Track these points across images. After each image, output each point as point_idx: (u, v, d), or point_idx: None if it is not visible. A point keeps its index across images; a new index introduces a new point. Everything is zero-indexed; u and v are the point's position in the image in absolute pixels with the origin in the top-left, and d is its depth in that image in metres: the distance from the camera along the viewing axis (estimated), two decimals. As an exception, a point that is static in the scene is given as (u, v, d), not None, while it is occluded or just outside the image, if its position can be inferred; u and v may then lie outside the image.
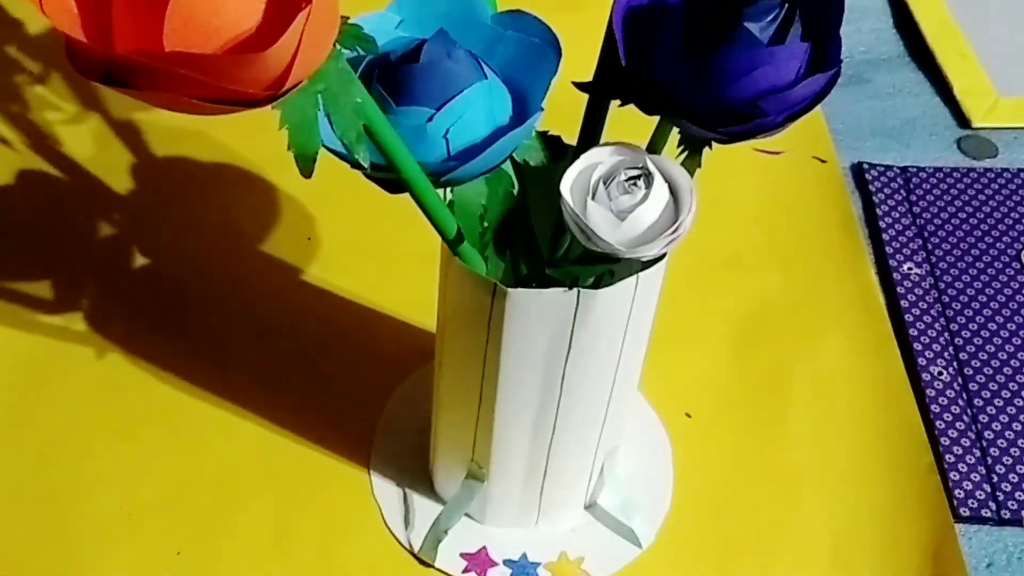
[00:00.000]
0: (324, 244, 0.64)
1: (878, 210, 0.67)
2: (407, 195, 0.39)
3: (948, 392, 0.58)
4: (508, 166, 0.42)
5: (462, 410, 0.48)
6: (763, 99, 0.36)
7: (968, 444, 0.56)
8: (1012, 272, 0.64)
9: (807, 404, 0.58)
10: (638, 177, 0.38)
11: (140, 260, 0.63)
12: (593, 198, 0.38)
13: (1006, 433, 0.57)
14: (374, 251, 0.63)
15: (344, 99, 0.34)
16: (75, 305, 0.60)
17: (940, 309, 0.62)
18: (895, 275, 0.64)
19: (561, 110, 0.41)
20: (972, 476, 0.55)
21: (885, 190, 0.68)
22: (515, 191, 0.42)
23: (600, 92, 0.42)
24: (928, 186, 0.69)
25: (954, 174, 0.70)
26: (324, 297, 0.61)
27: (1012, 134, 0.73)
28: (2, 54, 0.73)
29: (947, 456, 0.56)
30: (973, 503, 0.54)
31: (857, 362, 0.60)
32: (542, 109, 0.39)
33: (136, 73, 0.28)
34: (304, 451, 0.55)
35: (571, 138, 0.43)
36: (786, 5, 0.36)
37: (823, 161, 0.70)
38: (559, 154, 0.43)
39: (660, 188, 0.38)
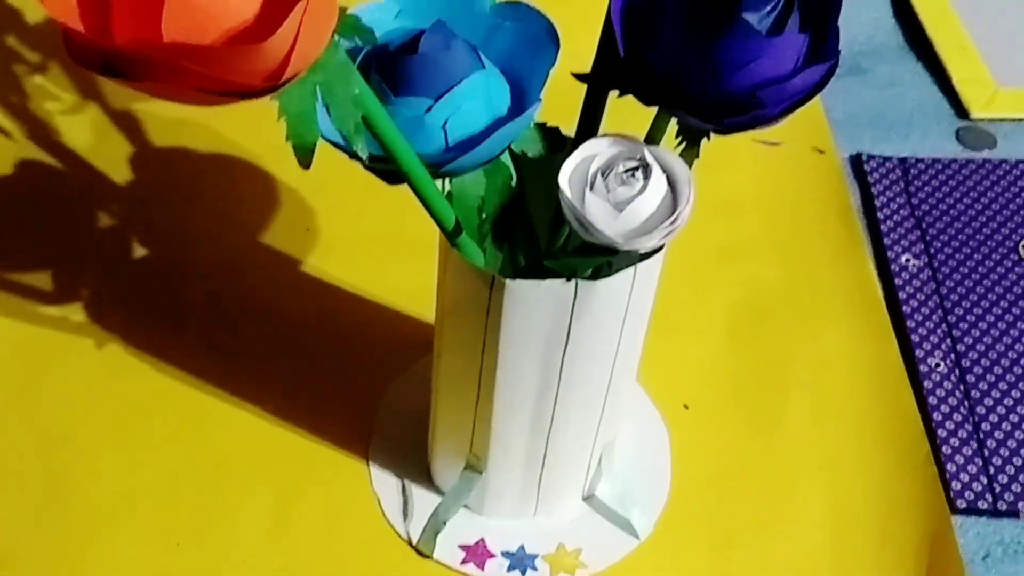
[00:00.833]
0: (323, 235, 0.64)
1: (876, 201, 0.67)
2: (405, 186, 0.39)
3: (945, 384, 0.58)
4: (506, 157, 0.42)
5: (461, 401, 0.48)
6: (761, 90, 0.36)
7: (965, 436, 0.56)
8: (1010, 264, 0.64)
9: (804, 396, 0.58)
10: (636, 168, 0.38)
11: (139, 250, 0.63)
12: (591, 189, 0.38)
13: (1003, 424, 0.57)
14: (373, 242, 0.63)
15: (342, 90, 0.34)
16: (74, 295, 0.60)
17: (938, 300, 0.62)
18: (893, 266, 0.64)
19: (559, 101, 0.41)
20: (969, 468, 0.55)
21: (884, 181, 0.68)
22: (513, 182, 0.42)
23: (598, 83, 0.42)
24: (927, 177, 0.69)
25: (952, 165, 0.70)
26: (323, 288, 0.61)
27: (1010, 125, 0.73)
28: (1, 44, 0.73)
29: (944, 447, 0.56)
30: (970, 495, 0.54)
31: (855, 353, 0.60)
32: (540, 100, 0.39)
33: (134, 64, 0.28)
34: (303, 442, 0.55)
35: (569, 129, 0.43)
36: (784, -5, 0.36)
37: (821, 152, 0.70)
38: (557, 145, 0.43)
39: (658, 179, 0.38)
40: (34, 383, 0.57)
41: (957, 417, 0.57)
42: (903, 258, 0.64)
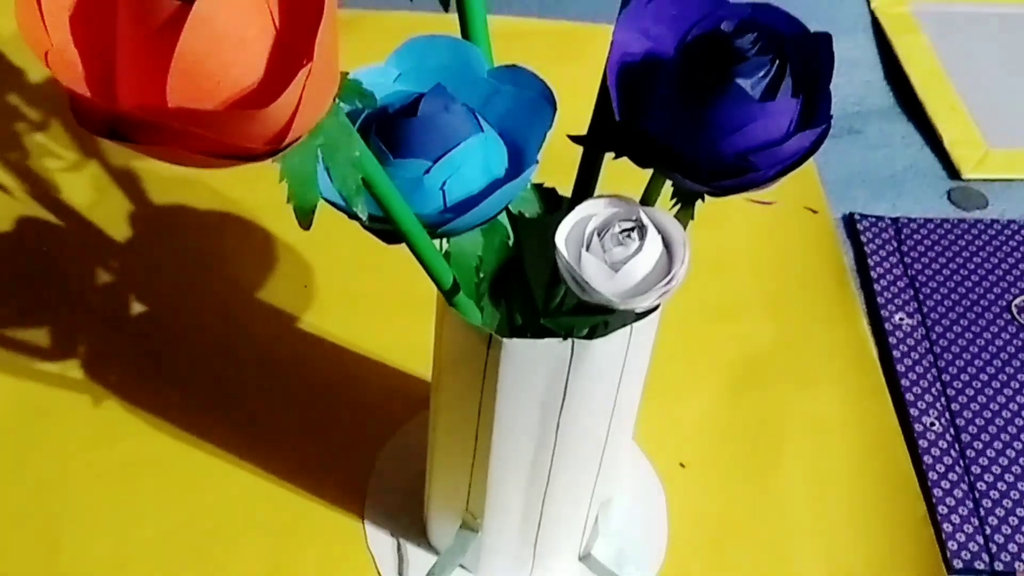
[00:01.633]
0: (320, 292, 0.64)
1: (870, 260, 0.68)
2: (404, 245, 0.40)
3: (941, 443, 0.58)
4: (504, 217, 0.42)
5: (457, 459, 0.48)
6: (754, 154, 0.37)
7: (961, 495, 0.56)
8: (1003, 323, 0.65)
9: (800, 454, 0.58)
10: (632, 229, 0.38)
11: (137, 307, 0.63)
12: (587, 249, 0.38)
13: (999, 484, 0.57)
14: (370, 299, 0.63)
15: (343, 153, 0.34)
16: (72, 352, 0.60)
17: (932, 360, 0.62)
18: (887, 325, 0.64)
19: (556, 161, 0.42)
20: (965, 528, 0.55)
21: (876, 240, 0.69)
22: (510, 242, 0.43)
23: (595, 145, 0.42)
24: (919, 236, 0.69)
25: (945, 225, 0.70)
26: (320, 345, 0.61)
27: (1001, 185, 0.74)
28: (3, 102, 0.74)
29: (940, 507, 0.56)
30: (966, 555, 0.54)
31: (850, 412, 0.60)
32: (537, 162, 0.39)
33: (139, 128, 0.29)
34: (298, 499, 0.55)
35: (566, 189, 0.43)
36: (777, 62, 0.37)
37: (815, 211, 0.71)
38: (554, 206, 0.43)
39: (654, 240, 0.38)
40: (30, 440, 0.56)
41: (953, 476, 0.57)
42: (897, 317, 0.65)
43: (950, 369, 0.62)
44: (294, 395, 0.59)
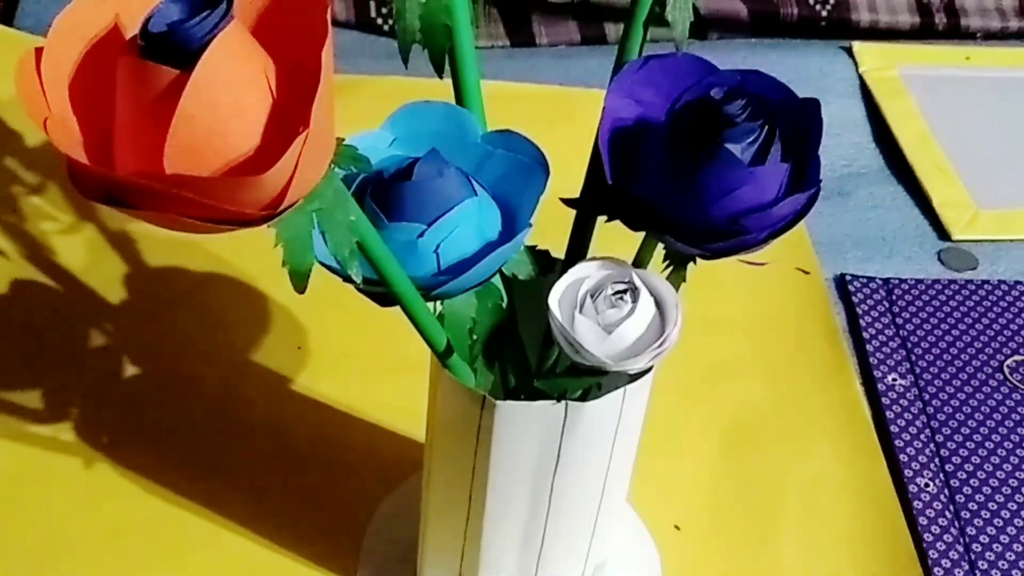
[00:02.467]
0: (314, 354, 0.64)
1: (861, 321, 0.68)
2: (398, 308, 0.40)
3: (935, 504, 0.58)
4: (497, 280, 0.42)
5: (450, 520, 0.47)
6: (745, 217, 0.37)
7: (956, 556, 0.56)
8: (995, 383, 0.65)
9: (795, 516, 0.58)
10: (625, 291, 0.39)
11: (130, 370, 0.63)
12: (581, 311, 0.38)
13: (994, 546, 0.57)
14: (363, 361, 0.63)
15: (338, 217, 0.35)
16: (64, 414, 0.60)
17: (925, 420, 0.62)
18: (880, 386, 0.64)
19: (549, 224, 0.42)
20: (961, 589, 0.55)
21: (868, 301, 0.69)
22: (504, 304, 0.43)
23: (587, 209, 0.43)
24: (910, 297, 0.70)
25: (936, 286, 0.71)
26: (313, 407, 0.61)
27: (991, 246, 0.75)
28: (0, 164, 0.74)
29: (936, 569, 0.56)
30: (963, 616, 0.54)
31: (843, 474, 0.60)
32: (530, 225, 0.39)
33: (136, 194, 0.29)
34: (290, 563, 0.54)
35: (559, 252, 0.44)
36: (766, 127, 0.37)
37: (806, 272, 0.71)
38: (547, 268, 0.44)
39: (646, 302, 0.39)
40: (22, 503, 0.56)
41: (948, 537, 0.57)
42: (889, 378, 0.65)
43: (943, 430, 0.62)
44: (287, 457, 0.59)
